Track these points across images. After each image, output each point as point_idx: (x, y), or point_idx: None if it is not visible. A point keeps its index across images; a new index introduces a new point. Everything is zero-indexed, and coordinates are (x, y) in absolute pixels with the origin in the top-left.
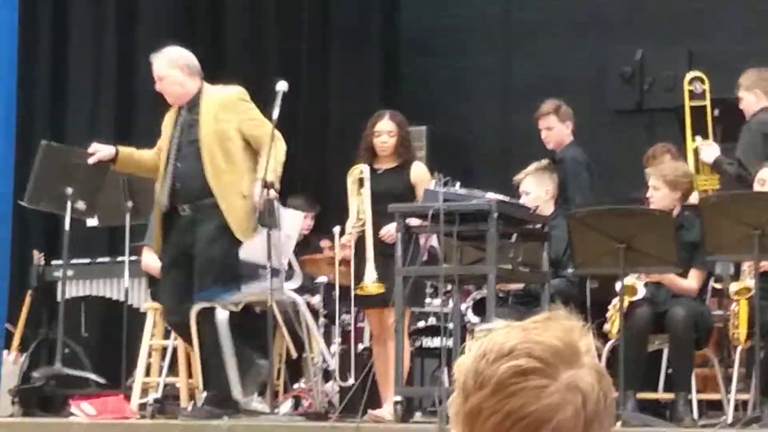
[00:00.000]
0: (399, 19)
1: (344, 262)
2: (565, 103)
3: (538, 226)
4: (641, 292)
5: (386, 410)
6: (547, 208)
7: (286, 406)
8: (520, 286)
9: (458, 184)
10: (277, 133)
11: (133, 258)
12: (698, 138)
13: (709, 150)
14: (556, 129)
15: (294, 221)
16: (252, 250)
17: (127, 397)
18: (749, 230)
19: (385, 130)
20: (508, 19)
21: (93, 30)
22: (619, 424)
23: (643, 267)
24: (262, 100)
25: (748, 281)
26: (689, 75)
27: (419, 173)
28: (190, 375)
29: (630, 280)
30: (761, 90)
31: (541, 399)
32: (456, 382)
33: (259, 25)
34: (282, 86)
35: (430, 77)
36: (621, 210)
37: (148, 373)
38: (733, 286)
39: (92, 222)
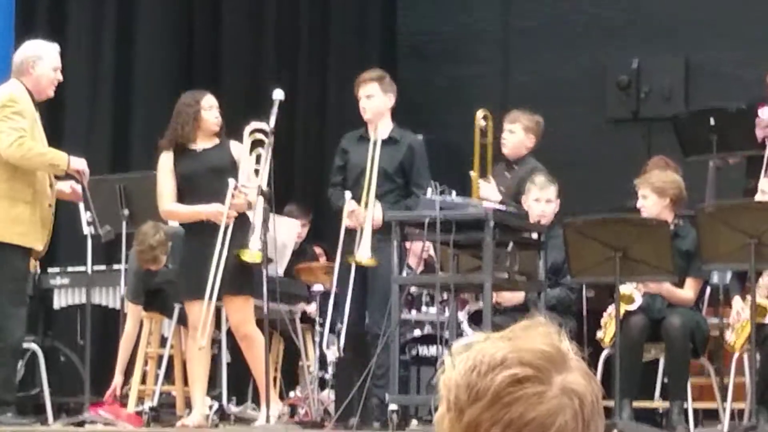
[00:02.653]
0: (397, 26)
1: (329, 268)
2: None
3: (534, 234)
4: (638, 302)
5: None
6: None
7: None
8: (520, 299)
9: (454, 192)
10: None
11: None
12: (472, 173)
13: (487, 188)
14: (376, 98)
15: (290, 229)
16: None
17: (123, 405)
18: (745, 239)
19: (216, 105)
20: (506, 27)
21: (91, 37)
22: None
23: (639, 275)
24: (259, 107)
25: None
26: (480, 113)
27: (239, 149)
28: (186, 383)
29: (627, 288)
30: (534, 135)
31: (540, 405)
32: (443, 399)
33: (257, 31)
34: (278, 95)
35: (428, 84)
36: (617, 219)
37: (143, 381)
38: (738, 302)
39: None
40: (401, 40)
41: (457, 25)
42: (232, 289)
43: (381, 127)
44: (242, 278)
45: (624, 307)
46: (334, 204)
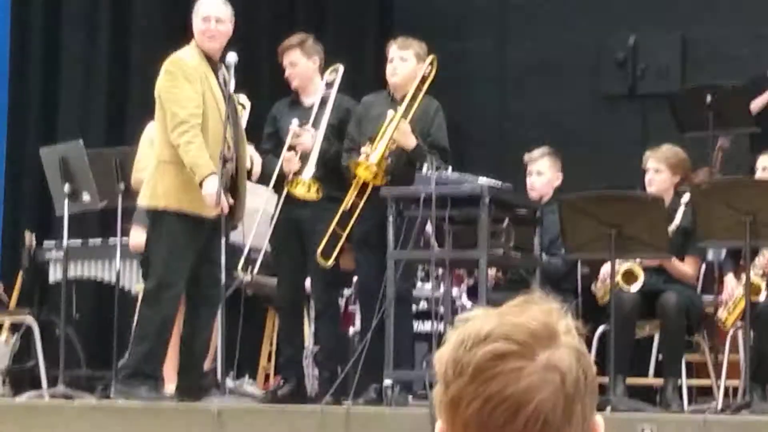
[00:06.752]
0: (393, 3)
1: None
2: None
3: (530, 210)
4: (641, 281)
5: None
6: (548, 193)
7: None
8: None
9: (450, 168)
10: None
11: (125, 240)
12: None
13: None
14: (301, 64)
15: (271, 198)
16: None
17: None
18: (740, 216)
19: None
20: (503, 4)
21: (86, 27)
22: (608, 409)
23: (634, 252)
24: (253, 81)
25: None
26: (431, 57)
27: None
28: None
29: (630, 265)
30: (423, 64)
31: (520, 380)
32: (437, 373)
33: (253, 7)
34: (231, 57)
35: None
36: (612, 195)
37: None
38: (731, 279)
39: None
40: (398, 16)
41: (453, 1)
42: None
43: (312, 91)
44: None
45: (626, 286)
46: (267, 170)
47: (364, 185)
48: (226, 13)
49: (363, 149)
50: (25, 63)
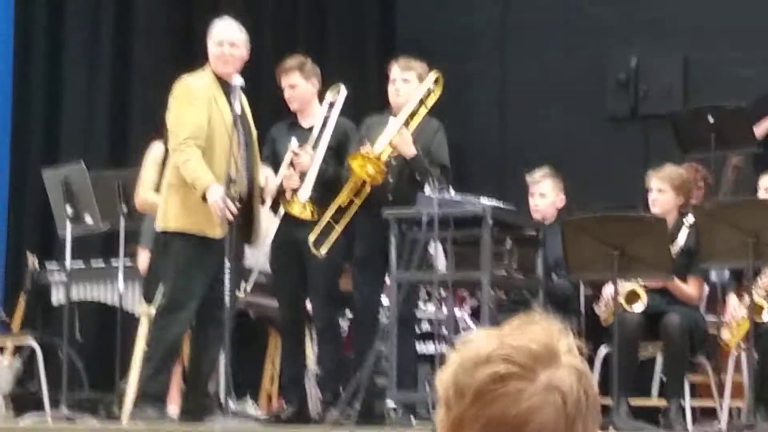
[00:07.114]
0: (395, 25)
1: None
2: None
3: (533, 231)
4: (644, 302)
5: None
6: (552, 214)
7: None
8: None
9: (451, 188)
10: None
11: (128, 263)
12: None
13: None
14: (300, 87)
15: (272, 222)
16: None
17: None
18: (744, 237)
19: None
20: (505, 25)
21: (89, 26)
22: (611, 429)
23: (637, 273)
24: (255, 101)
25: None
26: (433, 74)
27: None
28: (183, 379)
29: (633, 285)
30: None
31: (521, 402)
32: (439, 395)
33: (254, 28)
34: (237, 80)
35: None
36: (615, 216)
37: None
38: (733, 300)
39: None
40: (400, 37)
41: (455, 22)
42: None
43: (310, 113)
44: None
45: (629, 307)
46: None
47: (363, 184)
48: (240, 37)
49: (363, 148)
50: (28, 62)
